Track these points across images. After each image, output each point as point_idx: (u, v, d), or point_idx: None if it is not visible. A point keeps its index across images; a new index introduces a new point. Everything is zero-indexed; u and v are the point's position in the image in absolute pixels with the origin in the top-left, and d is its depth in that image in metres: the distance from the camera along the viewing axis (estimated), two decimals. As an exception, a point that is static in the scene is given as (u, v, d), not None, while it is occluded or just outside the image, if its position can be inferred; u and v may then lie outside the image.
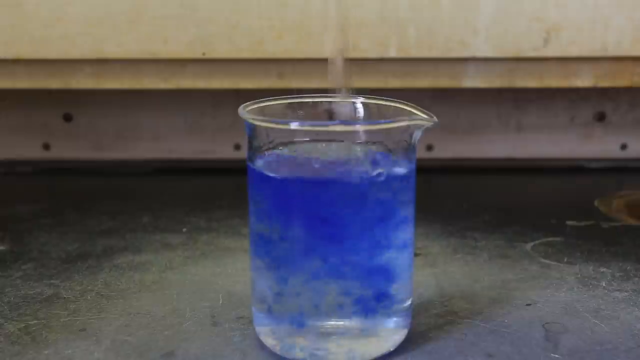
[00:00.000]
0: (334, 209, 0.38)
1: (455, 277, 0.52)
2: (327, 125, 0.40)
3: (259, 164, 0.40)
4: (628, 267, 0.54)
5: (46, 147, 0.84)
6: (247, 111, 0.40)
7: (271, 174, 0.39)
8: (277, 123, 0.38)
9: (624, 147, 0.84)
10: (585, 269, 0.53)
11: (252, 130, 0.40)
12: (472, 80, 0.74)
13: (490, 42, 0.71)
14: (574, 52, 0.71)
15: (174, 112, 0.83)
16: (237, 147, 0.84)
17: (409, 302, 0.42)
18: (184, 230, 0.62)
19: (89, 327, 0.44)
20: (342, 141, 0.40)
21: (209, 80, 0.74)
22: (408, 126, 0.39)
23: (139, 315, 0.46)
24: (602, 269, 0.53)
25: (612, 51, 0.71)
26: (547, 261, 0.55)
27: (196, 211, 0.67)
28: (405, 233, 0.40)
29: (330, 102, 0.43)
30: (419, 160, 0.41)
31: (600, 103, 0.83)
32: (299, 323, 0.39)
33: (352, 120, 0.43)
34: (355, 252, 0.38)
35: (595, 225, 0.63)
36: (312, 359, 0.39)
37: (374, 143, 0.39)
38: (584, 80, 0.74)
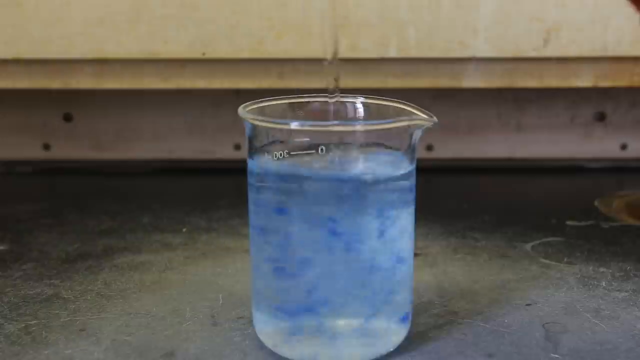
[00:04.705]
0: (334, 209, 0.38)
1: (455, 277, 0.52)
2: (327, 126, 0.40)
3: (259, 163, 0.40)
4: (628, 267, 0.54)
5: (46, 147, 0.84)
6: (247, 111, 0.40)
7: (271, 174, 0.39)
8: (277, 123, 0.38)
9: (624, 147, 0.84)
10: (585, 269, 0.53)
11: (252, 131, 0.40)
12: (472, 80, 0.74)
13: (490, 42, 0.71)
14: (574, 52, 0.71)
15: (174, 112, 0.83)
16: (237, 147, 0.84)
17: (409, 302, 0.42)
18: (184, 230, 0.62)
19: (89, 327, 0.44)
20: (342, 141, 0.40)
21: (209, 80, 0.74)
22: (408, 126, 0.39)
23: (139, 315, 0.46)
24: (602, 269, 0.53)
25: (612, 51, 0.71)
26: (547, 261, 0.55)
27: (196, 211, 0.67)
28: (406, 233, 0.40)
29: (330, 102, 0.43)
30: (419, 160, 0.41)
31: (600, 103, 0.83)
32: (299, 323, 0.39)
33: (352, 120, 0.43)
34: (355, 252, 0.38)
35: (595, 225, 0.63)
36: (312, 359, 0.39)
37: (374, 143, 0.39)
38: (584, 80, 0.74)
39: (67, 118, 0.84)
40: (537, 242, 0.59)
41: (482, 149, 0.84)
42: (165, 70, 0.73)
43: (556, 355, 0.41)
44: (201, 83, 0.74)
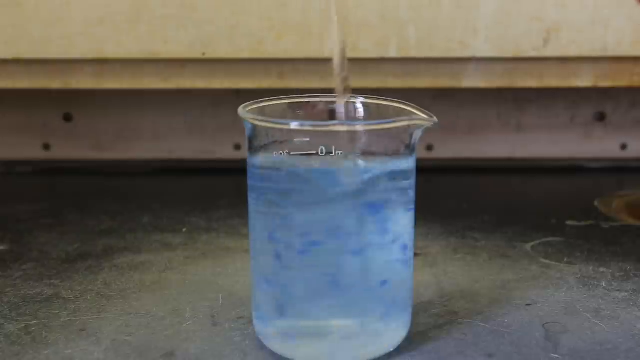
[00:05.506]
0: (334, 209, 0.38)
1: (455, 277, 0.52)
2: (327, 126, 0.40)
3: (259, 163, 0.40)
4: (628, 267, 0.54)
5: (46, 147, 0.84)
6: (247, 111, 0.40)
7: (271, 174, 0.39)
8: (277, 123, 0.38)
9: (624, 147, 0.84)
10: (585, 269, 0.53)
11: (252, 131, 0.40)
12: (472, 80, 0.74)
13: (491, 42, 0.71)
14: (574, 52, 0.71)
15: (174, 112, 0.83)
16: (237, 147, 0.84)
17: (409, 302, 0.42)
18: (184, 230, 0.62)
19: (89, 327, 0.44)
20: (342, 141, 0.40)
21: (209, 80, 0.74)
22: (408, 126, 0.39)
23: (139, 315, 0.46)
24: (602, 269, 0.53)
25: (612, 51, 0.71)
26: (547, 261, 0.55)
27: (196, 211, 0.67)
28: (406, 233, 0.40)
29: (330, 102, 0.43)
30: (419, 160, 0.41)
31: (600, 103, 0.83)
32: (299, 323, 0.39)
33: (352, 120, 0.43)
34: (355, 252, 0.38)
35: (595, 225, 0.63)
36: (312, 359, 0.39)
37: (374, 143, 0.39)
38: (584, 80, 0.74)
39: (67, 118, 0.84)
40: (537, 242, 0.59)
41: (482, 149, 0.84)
42: (165, 70, 0.73)
43: (556, 355, 0.41)
44: (201, 83, 0.74)
